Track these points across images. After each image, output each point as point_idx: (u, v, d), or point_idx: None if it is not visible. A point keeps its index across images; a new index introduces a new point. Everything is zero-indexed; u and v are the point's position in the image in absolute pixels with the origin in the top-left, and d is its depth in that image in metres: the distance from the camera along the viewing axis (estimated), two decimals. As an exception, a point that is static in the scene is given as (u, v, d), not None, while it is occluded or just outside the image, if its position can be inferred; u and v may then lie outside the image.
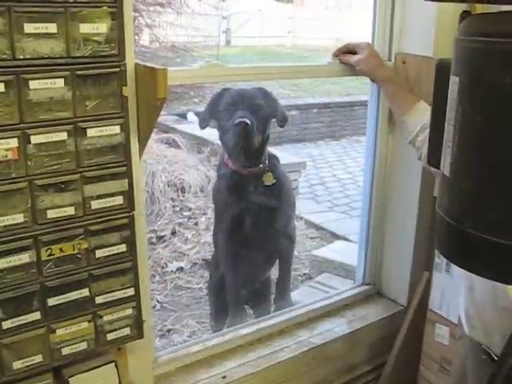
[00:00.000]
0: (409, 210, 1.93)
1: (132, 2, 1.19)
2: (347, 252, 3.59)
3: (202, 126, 2.40)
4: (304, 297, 3.08)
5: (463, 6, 0.62)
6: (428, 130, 0.69)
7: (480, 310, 1.13)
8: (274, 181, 2.31)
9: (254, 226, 2.34)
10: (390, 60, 1.84)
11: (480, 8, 0.58)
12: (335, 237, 4.55)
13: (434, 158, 0.62)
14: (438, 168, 0.60)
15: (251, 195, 2.30)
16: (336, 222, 4.93)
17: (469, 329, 1.19)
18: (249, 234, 2.36)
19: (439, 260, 1.80)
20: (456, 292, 1.71)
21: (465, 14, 0.56)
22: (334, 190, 6.28)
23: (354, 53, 1.70)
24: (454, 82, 0.55)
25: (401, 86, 1.69)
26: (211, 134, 6.17)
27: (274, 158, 2.38)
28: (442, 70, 0.59)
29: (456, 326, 1.72)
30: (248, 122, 2.15)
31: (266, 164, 2.31)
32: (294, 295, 3.06)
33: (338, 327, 1.92)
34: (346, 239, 4.37)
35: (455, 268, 1.71)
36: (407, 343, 1.92)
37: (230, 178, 2.33)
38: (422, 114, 1.52)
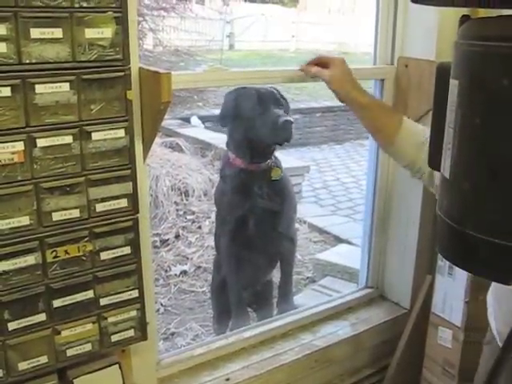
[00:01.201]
0: (411, 214, 1.94)
1: (136, 7, 1.21)
2: (350, 255, 3.60)
3: (223, 124, 2.41)
4: (307, 300, 3.08)
5: (465, 10, 0.63)
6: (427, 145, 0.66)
7: None
8: (282, 175, 2.34)
9: (256, 228, 2.35)
10: (392, 64, 1.85)
11: (482, 12, 0.59)
12: (338, 240, 4.55)
13: (434, 160, 0.63)
14: (439, 170, 0.61)
15: (257, 194, 2.31)
16: (339, 226, 4.93)
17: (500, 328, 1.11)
18: (251, 236, 2.37)
19: (442, 263, 1.80)
20: (458, 295, 1.72)
21: (464, 18, 0.57)
22: (338, 193, 6.28)
23: (326, 67, 1.50)
24: (453, 85, 0.56)
25: (379, 109, 1.52)
26: (214, 137, 6.20)
27: (276, 158, 2.41)
28: (443, 73, 0.60)
29: (459, 329, 1.72)
30: (292, 120, 2.22)
31: (273, 159, 2.34)
32: (298, 299, 3.06)
33: (341, 330, 1.93)
34: (349, 243, 4.37)
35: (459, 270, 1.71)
36: (410, 346, 1.92)
37: (237, 177, 2.34)
38: (413, 133, 1.41)
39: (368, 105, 1.48)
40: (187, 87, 1.83)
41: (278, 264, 2.61)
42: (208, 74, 1.48)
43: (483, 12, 0.58)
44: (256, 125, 2.25)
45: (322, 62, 1.51)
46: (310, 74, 1.52)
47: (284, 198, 2.39)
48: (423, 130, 1.40)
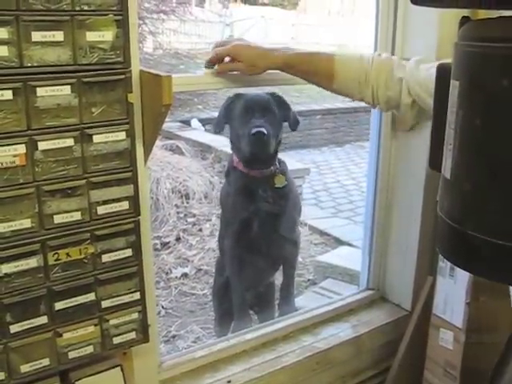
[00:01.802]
0: (412, 215, 1.94)
1: (136, 10, 1.21)
2: (351, 257, 3.60)
3: (217, 130, 2.42)
4: (308, 302, 3.08)
5: (465, 12, 0.63)
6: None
7: None
8: (286, 183, 2.33)
9: (261, 231, 2.35)
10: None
11: (481, 13, 0.59)
12: (339, 242, 4.55)
13: (434, 161, 0.63)
14: (439, 171, 0.61)
15: (261, 198, 2.31)
16: (340, 228, 4.93)
17: None
18: (255, 239, 2.37)
19: (443, 264, 1.80)
20: (460, 296, 1.72)
21: (464, 20, 0.57)
22: (338, 195, 6.28)
23: (234, 58, 1.44)
24: (454, 85, 0.56)
25: (304, 57, 1.46)
26: (215, 140, 6.20)
27: (282, 162, 2.40)
28: (443, 74, 0.60)
29: (460, 330, 1.72)
30: (264, 131, 2.18)
31: (277, 166, 2.33)
32: (299, 301, 3.06)
33: (342, 332, 1.92)
34: (349, 245, 4.37)
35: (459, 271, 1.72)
36: (411, 348, 1.92)
37: (241, 181, 2.34)
38: (351, 64, 1.41)
39: (286, 63, 1.44)
40: (188, 90, 1.83)
41: (280, 267, 2.62)
42: (208, 76, 1.48)
43: (483, 13, 0.59)
44: (240, 133, 2.26)
45: (222, 55, 1.45)
46: (228, 71, 1.47)
47: (288, 202, 2.39)
48: (360, 68, 1.42)
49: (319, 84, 1.50)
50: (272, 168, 2.32)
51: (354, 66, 1.43)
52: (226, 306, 2.59)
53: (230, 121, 2.33)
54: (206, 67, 1.46)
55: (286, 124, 2.41)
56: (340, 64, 1.43)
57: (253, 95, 2.30)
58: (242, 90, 2.28)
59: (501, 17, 0.54)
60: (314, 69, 1.46)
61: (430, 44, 1.72)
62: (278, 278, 2.74)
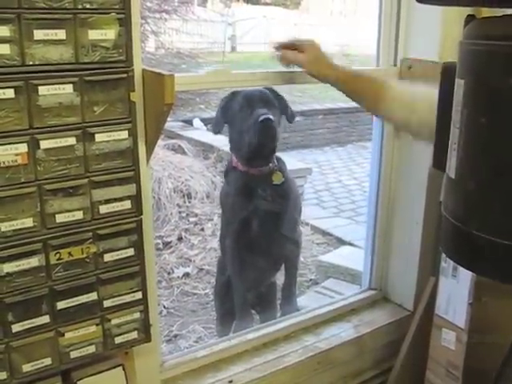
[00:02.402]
0: (415, 215, 1.93)
1: (139, 9, 1.21)
2: (353, 257, 3.59)
3: (216, 130, 2.42)
4: (310, 302, 3.07)
5: (468, 11, 0.62)
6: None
7: None
8: (283, 179, 2.34)
9: (261, 229, 2.35)
10: (395, 65, 1.85)
11: (486, 12, 0.59)
12: (341, 242, 4.55)
13: (439, 160, 0.62)
14: (443, 170, 0.61)
15: (260, 196, 2.31)
16: (342, 228, 4.93)
17: None
18: (256, 238, 2.37)
19: (445, 265, 1.80)
20: (462, 297, 1.72)
21: (469, 18, 0.57)
22: (340, 195, 6.27)
23: (300, 51, 1.50)
24: (459, 84, 0.56)
25: (359, 78, 1.52)
26: (217, 139, 6.20)
27: (280, 160, 2.40)
28: (448, 74, 0.60)
29: (462, 331, 1.72)
30: (271, 117, 2.19)
31: (275, 163, 2.33)
32: (300, 301, 3.05)
33: (344, 332, 1.92)
34: (352, 244, 4.36)
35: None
36: (414, 348, 1.91)
37: (240, 180, 2.34)
38: (399, 97, 1.41)
39: (342, 79, 1.49)
40: (190, 89, 1.83)
41: (282, 266, 2.61)
42: (210, 75, 1.48)
43: (488, 12, 0.58)
44: (243, 128, 2.26)
45: (295, 46, 1.50)
46: (286, 60, 1.52)
47: (288, 201, 2.39)
48: (410, 92, 1.41)
49: (366, 106, 1.54)
50: (270, 165, 2.32)
51: (404, 93, 1.44)
52: (227, 305, 2.59)
53: (230, 119, 2.33)
54: (274, 47, 1.54)
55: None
56: (389, 90, 1.44)
57: (252, 90, 2.30)
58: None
59: (505, 15, 0.54)
60: (360, 94, 1.51)
61: (433, 44, 1.72)
62: (280, 278, 2.74)
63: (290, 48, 1.51)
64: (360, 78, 1.52)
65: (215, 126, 2.43)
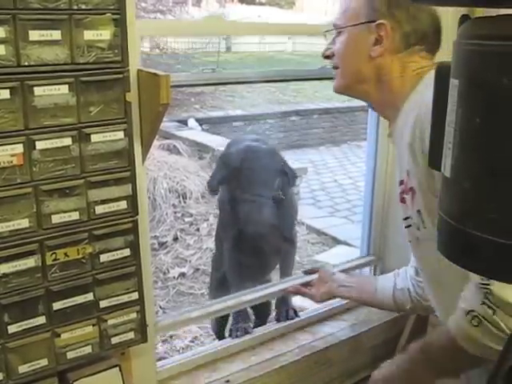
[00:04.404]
0: (410, 214, 1.94)
1: (135, 9, 1.21)
2: (348, 256, 3.59)
3: (214, 191, 2.40)
4: (306, 301, 3.08)
5: (463, 10, 0.63)
6: None
7: None
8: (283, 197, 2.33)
9: (258, 233, 2.34)
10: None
11: (480, 11, 0.59)
12: (336, 242, 4.56)
13: (434, 160, 0.63)
14: (439, 170, 0.61)
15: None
16: (337, 227, 4.94)
17: None
18: (253, 241, 2.36)
19: (441, 263, 1.80)
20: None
21: (464, 18, 0.57)
22: (335, 195, 6.29)
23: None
24: (453, 84, 0.56)
25: (358, 286, 1.75)
26: (212, 140, 6.20)
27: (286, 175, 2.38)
28: (442, 73, 0.60)
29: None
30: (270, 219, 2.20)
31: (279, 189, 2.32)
32: (296, 300, 3.06)
33: (340, 331, 1.93)
34: (347, 244, 4.38)
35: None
36: (409, 347, 1.92)
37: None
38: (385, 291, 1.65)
39: (347, 293, 1.77)
40: (185, 87, 1.83)
41: (277, 265, 2.61)
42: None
43: (482, 11, 0.59)
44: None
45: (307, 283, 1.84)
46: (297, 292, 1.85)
47: (285, 203, 2.39)
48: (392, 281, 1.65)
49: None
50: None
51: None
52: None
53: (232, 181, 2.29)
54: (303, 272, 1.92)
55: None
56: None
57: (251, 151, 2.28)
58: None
59: (500, 15, 0.54)
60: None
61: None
62: (274, 278, 2.74)
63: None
64: (361, 288, 1.74)
65: (213, 185, 2.40)
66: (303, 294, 1.83)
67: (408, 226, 1.28)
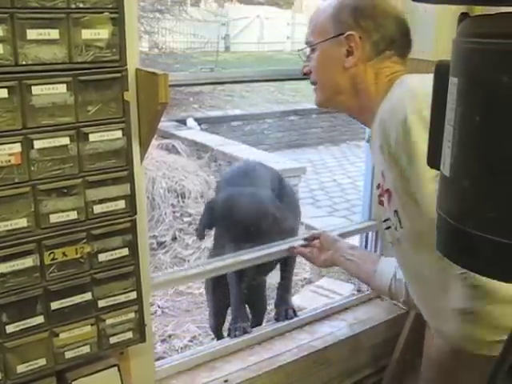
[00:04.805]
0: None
1: (135, 8, 1.20)
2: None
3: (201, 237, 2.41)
4: (305, 301, 3.08)
5: (462, 8, 0.63)
6: None
7: None
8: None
9: (260, 234, 2.34)
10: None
11: (479, 10, 0.59)
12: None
13: (433, 158, 0.63)
14: (438, 169, 0.61)
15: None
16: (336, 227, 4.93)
17: None
18: (255, 241, 2.36)
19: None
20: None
21: (463, 16, 0.57)
22: (334, 194, 6.29)
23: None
24: (453, 82, 0.56)
25: (359, 261, 1.72)
26: (210, 139, 6.20)
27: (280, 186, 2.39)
28: (442, 72, 0.60)
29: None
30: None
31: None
32: (295, 299, 3.06)
33: (339, 331, 1.92)
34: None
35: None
36: (409, 346, 1.92)
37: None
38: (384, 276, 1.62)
39: (346, 266, 1.74)
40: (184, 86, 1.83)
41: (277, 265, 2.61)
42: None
43: (481, 9, 0.58)
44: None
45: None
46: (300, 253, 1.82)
47: (285, 202, 2.39)
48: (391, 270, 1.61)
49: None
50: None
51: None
52: (219, 299, 2.59)
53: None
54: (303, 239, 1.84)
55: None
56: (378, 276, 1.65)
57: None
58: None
59: (499, 13, 0.54)
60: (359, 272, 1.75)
61: (427, 43, 1.72)
62: (274, 278, 2.74)
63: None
64: (360, 261, 1.71)
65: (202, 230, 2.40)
66: (304, 256, 1.82)
67: (388, 228, 1.32)
